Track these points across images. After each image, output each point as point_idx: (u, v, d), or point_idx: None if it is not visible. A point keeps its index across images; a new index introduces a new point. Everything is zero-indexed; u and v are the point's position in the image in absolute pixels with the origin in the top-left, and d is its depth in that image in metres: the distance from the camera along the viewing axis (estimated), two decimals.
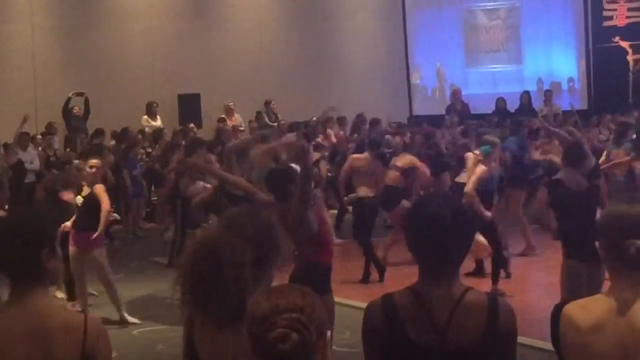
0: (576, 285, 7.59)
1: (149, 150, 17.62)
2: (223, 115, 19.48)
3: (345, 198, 12.70)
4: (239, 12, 21.70)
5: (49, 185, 11.89)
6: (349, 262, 11.87)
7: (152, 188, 16.95)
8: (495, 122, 18.46)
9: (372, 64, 22.72)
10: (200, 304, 3.00)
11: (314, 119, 16.13)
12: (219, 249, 2.97)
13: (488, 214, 10.14)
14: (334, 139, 17.18)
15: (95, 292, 10.54)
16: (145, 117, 19.28)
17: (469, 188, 10.19)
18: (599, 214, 7.45)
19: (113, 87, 19.65)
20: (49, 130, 17.85)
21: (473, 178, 10.30)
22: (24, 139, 16.04)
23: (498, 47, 23.21)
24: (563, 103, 20.96)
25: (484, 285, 9.61)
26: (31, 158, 15.96)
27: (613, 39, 21.88)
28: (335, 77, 22.03)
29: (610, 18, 22.08)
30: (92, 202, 9.56)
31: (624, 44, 21.78)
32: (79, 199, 9.73)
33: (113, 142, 17.43)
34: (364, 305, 3.23)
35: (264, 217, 3.22)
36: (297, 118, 17.63)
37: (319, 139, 15.85)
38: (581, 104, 21.71)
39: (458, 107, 20.77)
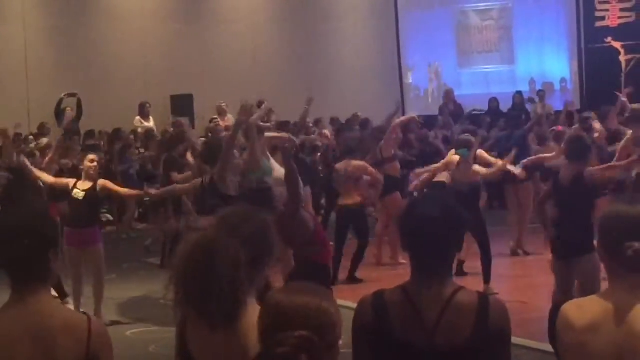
0: (559, 281, 7.65)
1: (142, 150, 17.60)
2: (215, 116, 19.46)
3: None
4: (232, 13, 21.69)
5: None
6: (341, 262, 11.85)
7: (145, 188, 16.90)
8: (488, 122, 18.48)
9: (365, 65, 22.73)
10: (194, 304, 2.99)
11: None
12: (213, 248, 2.96)
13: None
14: (329, 137, 17.10)
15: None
16: (138, 117, 19.26)
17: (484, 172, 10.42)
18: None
19: (106, 88, 19.63)
20: (42, 131, 17.80)
21: (480, 169, 10.45)
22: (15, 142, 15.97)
23: (490, 47, 23.23)
24: (555, 103, 21.00)
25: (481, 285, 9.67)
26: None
27: (605, 40, 21.90)
28: (328, 77, 22.03)
29: (603, 18, 22.09)
30: (94, 197, 9.39)
31: (616, 45, 21.79)
32: (78, 193, 9.38)
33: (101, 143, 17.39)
34: (355, 305, 3.23)
35: (259, 217, 3.21)
36: (289, 119, 17.60)
37: (317, 140, 15.79)
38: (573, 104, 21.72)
39: (451, 108, 20.76)
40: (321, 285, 2.56)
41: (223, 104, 19.67)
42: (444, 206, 3.12)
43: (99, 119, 18.38)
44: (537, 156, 12.03)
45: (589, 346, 2.96)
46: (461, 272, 10.66)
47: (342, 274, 11.43)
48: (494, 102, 20.81)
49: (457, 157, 10.60)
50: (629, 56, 21.70)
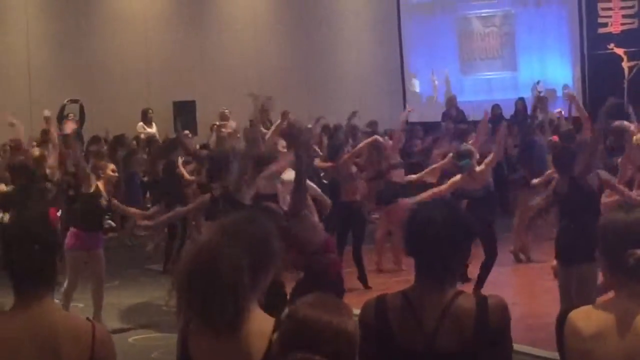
0: (563, 288, 7.63)
1: (144, 156, 17.59)
2: (218, 122, 19.45)
3: None
4: (235, 19, 21.71)
5: None
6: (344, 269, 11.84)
7: (147, 195, 16.91)
8: (491, 128, 18.45)
9: (367, 71, 22.74)
10: (197, 310, 2.97)
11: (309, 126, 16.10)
12: (216, 254, 2.94)
13: None
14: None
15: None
16: (141, 123, 19.27)
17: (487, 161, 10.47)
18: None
19: (108, 94, 19.63)
20: (44, 137, 17.78)
21: (483, 166, 10.47)
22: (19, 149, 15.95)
23: (493, 54, 23.24)
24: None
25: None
26: None
27: (608, 46, 21.88)
28: (330, 84, 22.03)
29: (605, 25, 22.08)
30: (96, 199, 9.36)
31: (619, 51, 21.77)
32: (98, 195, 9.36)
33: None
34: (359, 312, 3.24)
35: (261, 223, 3.19)
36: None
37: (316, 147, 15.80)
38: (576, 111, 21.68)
39: (453, 114, 20.76)
40: (337, 298, 2.58)
41: (226, 110, 19.66)
42: (449, 211, 3.11)
43: (102, 126, 18.36)
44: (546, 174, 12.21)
45: (595, 354, 2.94)
46: (465, 278, 10.66)
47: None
48: (496, 108, 20.80)
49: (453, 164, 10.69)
50: (632, 62, 21.68)
